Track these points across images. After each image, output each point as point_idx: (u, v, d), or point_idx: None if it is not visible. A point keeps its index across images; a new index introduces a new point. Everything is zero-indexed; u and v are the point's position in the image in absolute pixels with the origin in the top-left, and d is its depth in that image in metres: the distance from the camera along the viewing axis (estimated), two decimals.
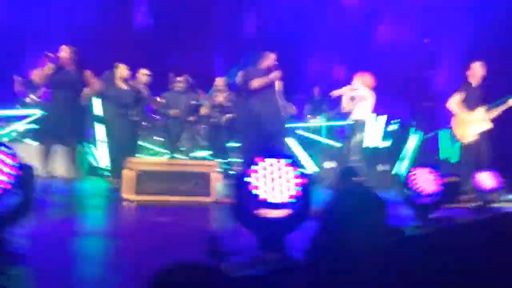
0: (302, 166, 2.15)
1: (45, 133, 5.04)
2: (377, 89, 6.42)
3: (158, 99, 7.12)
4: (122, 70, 6.30)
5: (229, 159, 6.55)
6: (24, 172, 1.84)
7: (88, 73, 5.12)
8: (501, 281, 2.48)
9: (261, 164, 2.13)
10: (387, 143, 9.08)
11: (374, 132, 8.35)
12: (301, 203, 2.13)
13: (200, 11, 11.74)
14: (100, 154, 8.12)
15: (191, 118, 6.75)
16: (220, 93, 6.44)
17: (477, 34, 9.70)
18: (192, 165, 5.00)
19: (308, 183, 2.14)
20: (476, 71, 5.70)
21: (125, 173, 4.78)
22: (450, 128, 5.87)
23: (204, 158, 7.88)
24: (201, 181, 4.75)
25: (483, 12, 9.59)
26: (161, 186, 4.71)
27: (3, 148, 1.85)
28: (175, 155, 6.80)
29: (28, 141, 7.96)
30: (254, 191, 2.09)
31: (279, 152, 2.25)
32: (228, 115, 6.26)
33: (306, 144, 9.17)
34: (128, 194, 4.70)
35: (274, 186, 2.11)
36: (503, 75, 6.66)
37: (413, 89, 11.51)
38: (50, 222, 3.41)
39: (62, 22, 10.09)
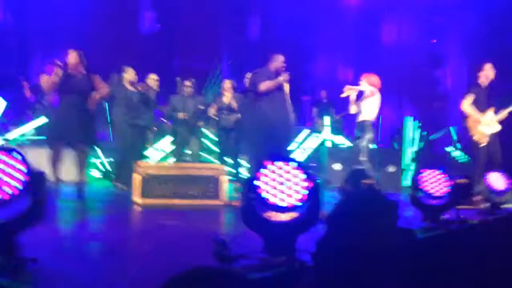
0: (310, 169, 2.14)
1: (54, 138, 5.07)
2: (384, 90, 6.39)
3: (164, 110, 7.16)
4: (130, 74, 6.34)
5: (238, 162, 6.54)
6: (35, 178, 1.85)
7: (96, 78, 5.15)
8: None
9: (270, 168, 2.12)
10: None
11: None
12: (309, 206, 2.12)
13: (206, 15, 11.77)
14: (108, 159, 8.16)
15: (199, 123, 6.77)
16: (226, 95, 6.44)
17: (483, 34, 9.64)
18: (200, 169, 5.01)
19: (316, 186, 2.13)
20: (489, 72, 5.70)
21: (135, 177, 4.79)
22: (465, 126, 5.83)
23: (211, 162, 7.90)
24: (210, 184, 4.76)
25: (490, 12, 9.52)
26: (170, 190, 4.72)
27: (14, 154, 1.86)
28: (183, 159, 6.81)
29: (38, 146, 8.01)
30: (263, 195, 2.08)
31: (287, 155, 2.24)
32: (234, 115, 6.25)
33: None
34: (138, 198, 4.71)
35: (283, 189, 2.10)
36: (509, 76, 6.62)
37: (421, 90, 11.46)
38: (60, 226, 3.42)
39: (70, 27, 10.15)
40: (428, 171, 3.26)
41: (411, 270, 2.30)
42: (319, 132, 9.45)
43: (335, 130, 9.51)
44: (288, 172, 2.14)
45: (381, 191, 2.74)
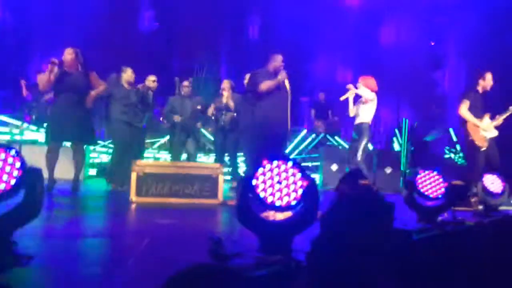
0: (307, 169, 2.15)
1: (51, 136, 5.06)
2: (383, 92, 6.42)
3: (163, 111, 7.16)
4: (128, 74, 6.34)
5: (236, 162, 6.54)
6: (29, 174, 1.85)
7: (92, 75, 5.14)
8: (508, 285, 2.46)
9: (268, 167, 2.13)
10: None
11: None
12: (307, 206, 2.12)
13: (205, 16, 11.78)
14: (105, 157, 8.16)
15: (198, 125, 6.77)
16: (225, 95, 6.45)
17: (482, 35, 9.67)
18: (197, 168, 5.01)
19: (313, 186, 2.13)
20: (489, 82, 5.77)
21: (132, 175, 4.80)
22: (463, 130, 5.87)
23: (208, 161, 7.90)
24: (206, 183, 4.77)
25: (489, 14, 9.55)
26: (166, 188, 4.73)
27: (8, 149, 1.86)
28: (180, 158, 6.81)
29: (35, 144, 8.00)
30: (261, 194, 2.08)
31: (284, 154, 2.25)
32: (229, 114, 6.25)
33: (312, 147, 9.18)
34: (134, 196, 4.72)
35: (280, 188, 2.11)
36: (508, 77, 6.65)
37: (419, 91, 11.48)
38: (55, 224, 3.42)
39: (69, 26, 10.15)
40: (424, 172, 3.27)
41: (406, 271, 2.30)
42: (317, 133, 9.47)
43: (332, 132, 9.54)
44: (286, 171, 2.14)
45: (378, 191, 2.75)
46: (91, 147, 7.71)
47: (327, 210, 2.05)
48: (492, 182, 4.19)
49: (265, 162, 2.15)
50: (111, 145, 7.28)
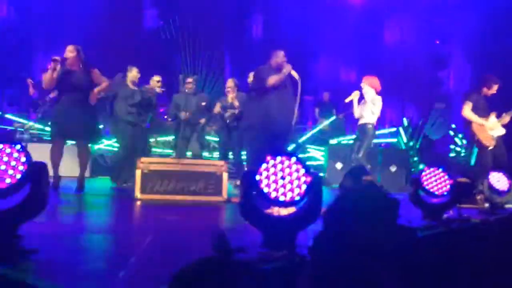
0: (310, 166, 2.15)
1: (55, 134, 5.08)
2: (387, 91, 6.40)
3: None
4: (134, 73, 6.36)
5: (240, 159, 6.54)
6: (35, 168, 1.86)
7: (95, 72, 5.14)
8: None
9: (271, 163, 2.13)
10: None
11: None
12: (310, 201, 2.12)
13: (209, 14, 11.78)
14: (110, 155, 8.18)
15: (202, 120, 6.77)
16: (230, 96, 6.46)
17: (487, 34, 9.63)
18: (202, 165, 5.02)
19: (317, 181, 2.13)
20: (494, 91, 5.78)
21: (137, 172, 4.81)
22: (469, 131, 5.87)
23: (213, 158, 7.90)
24: (211, 180, 4.78)
25: (493, 13, 9.50)
26: (171, 186, 4.74)
27: (15, 146, 1.88)
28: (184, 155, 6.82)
29: (40, 142, 8.04)
30: (265, 190, 2.09)
31: (288, 150, 2.25)
32: (231, 110, 6.25)
33: (317, 145, 9.18)
34: (139, 193, 4.73)
35: (284, 184, 2.11)
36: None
37: (423, 90, 11.45)
38: (61, 219, 3.44)
39: (73, 24, 10.18)
40: (429, 170, 3.26)
41: (410, 268, 2.29)
42: (321, 132, 9.47)
43: (337, 130, 9.52)
44: (290, 167, 2.14)
45: (382, 188, 2.75)
46: (98, 144, 7.75)
47: (330, 206, 2.05)
48: (498, 180, 4.18)
49: (268, 157, 2.15)
50: (116, 144, 7.30)
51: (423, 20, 11.67)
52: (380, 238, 2.09)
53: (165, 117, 7.82)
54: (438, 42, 12.10)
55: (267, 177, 2.12)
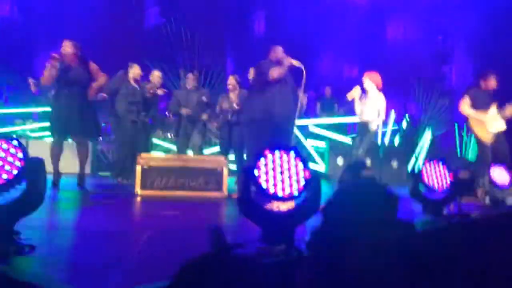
0: (311, 161, 2.14)
1: (55, 130, 5.08)
2: (389, 87, 6.37)
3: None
4: (135, 70, 6.35)
5: (242, 156, 6.53)
6: (32, 165, 1.86)
7: (92, 66, 5.12)
8: None
9: (270, 157, 2.12)
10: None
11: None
12: (309, 196, 2.11)
13: (211, 11, 11.76)
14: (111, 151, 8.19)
15: (204, 116, 6.76)
16: (233, 98, 6.43)
17: (489, 29, 9.58)
18: (202, 161, 5.02)
19: (316, 176, 2.12)
20: (492, 84, 5.72)
21: (137, 168, 4.81)
22: (467, 127, 5.86)
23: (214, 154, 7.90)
24: (211, 176, 4.77)
25: (496, 7, 9.45)
26: (171, 181, 4.74)
27: (12, 141, 1.87)
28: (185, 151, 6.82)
29: (41, 138, 8.07)
30: (263, 184, 2.08)
31: (287, 145, 2.24)
32: (235, 105, 6.23)
33: (318, 140, 9.16)
34: (139, 189, 4.74)
35: (283, 179, 2.10)
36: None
37: (426, 86, 11.41)
38: (60, 216, 3.44)
39: (75, 23, 10.19)
40: (430, 164, 3.25)
41: (410, 263, 2.29)
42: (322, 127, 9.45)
43: (338, 126, 9.51)
44: (288, 162, 2.13)
45: (382, 183, 2.73)
46: (98, 140, 7.75)
47: (329, 201, 2.04)
48: (499, 175, 4.16)
49: (266, 152, 2.14)
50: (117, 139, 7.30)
51: (426, 16, 11.63)
52: (380, 232, 2.08)
53: (167, 113, 7.83)
54: (440, 37, 12.06)
55: (266, 172, 2.11)
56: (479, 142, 5.72)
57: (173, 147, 8.11)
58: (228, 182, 4.99)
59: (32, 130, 8.83)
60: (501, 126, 5.69)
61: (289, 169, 2.14)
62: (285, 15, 11.90)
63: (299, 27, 11.42)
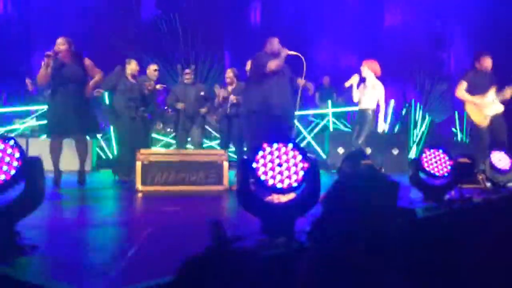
0: (310, 151, 2.13)
1: (52, 128, 5.07)
2: (388, 74, 6.34)
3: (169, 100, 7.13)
4: (133, 66, 6.32)
5: (242, 149, 6.53)
6: (30, 164, 1.85)
7: (87, 62, 5.10)
8: None
9: (268, 150, 2.11)
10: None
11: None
12: (309, 187, 2.11)
13: (207, 2, 11.69)
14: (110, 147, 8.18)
15: (202, 110, 6.75)
16: (229, 84, 6.41)
17: (488, 14, 9.52)
18: (202, 155, 5.02)
19: (315, 167, 2.11)
20: (486, 65, 5.68)
21: (137, 164, 4.81)
22: (464, 112, 5.86)
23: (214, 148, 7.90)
24: (212, 170, 4.77)
25: None
26: (171, 176, 4.74)
27: (9, 141, 1.86)
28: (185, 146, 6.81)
29: (39, 137, 8.06)
30: (262, 177, 2.07)
31: (285, 137, 2.23)
32: (233, 97, 6.20)
33: (318, 130, 9.16)
34: (139, 185, 4.73)
35: (282, 171, 2.09)
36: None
37: (424, 72, 11.37)
38: (60, 213, 3.44)
39: (72, 19, 10.14)
40: (430, 151, 3.24)
41: (412, 250, 2.29)
42: (322, 116, 9.44)
43: (337, 115, 9.50)
44: (287, 154, 2.13)
45: (381, 171, 2.74)
46: (97, 137, 7.74)
47: (328, 191, 2.04)
48: (500, 159, 4.15)
49: (265, 145, 2.13)
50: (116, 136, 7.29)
51: (423, 2, 11.55)
52: (380, 221, 2.08)
53: (166, 107, 7.81)
54: (438, 23, 11.99)
55: (264, 165, 2.11)
56: (474, 127, 5.71)
57: (173, 142, 8.11)
58: (229, 175, 4.99)
59: (31, 129, 8.81)
60: (499, 108, 5.67)
61: (287, 161, 2.14)
62: (281, 4, 11.84)
63: (296, 16, 11.36)
